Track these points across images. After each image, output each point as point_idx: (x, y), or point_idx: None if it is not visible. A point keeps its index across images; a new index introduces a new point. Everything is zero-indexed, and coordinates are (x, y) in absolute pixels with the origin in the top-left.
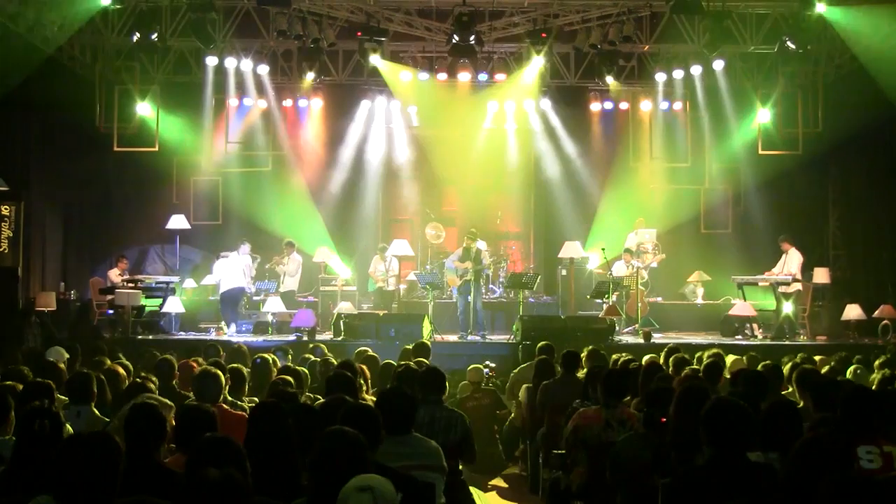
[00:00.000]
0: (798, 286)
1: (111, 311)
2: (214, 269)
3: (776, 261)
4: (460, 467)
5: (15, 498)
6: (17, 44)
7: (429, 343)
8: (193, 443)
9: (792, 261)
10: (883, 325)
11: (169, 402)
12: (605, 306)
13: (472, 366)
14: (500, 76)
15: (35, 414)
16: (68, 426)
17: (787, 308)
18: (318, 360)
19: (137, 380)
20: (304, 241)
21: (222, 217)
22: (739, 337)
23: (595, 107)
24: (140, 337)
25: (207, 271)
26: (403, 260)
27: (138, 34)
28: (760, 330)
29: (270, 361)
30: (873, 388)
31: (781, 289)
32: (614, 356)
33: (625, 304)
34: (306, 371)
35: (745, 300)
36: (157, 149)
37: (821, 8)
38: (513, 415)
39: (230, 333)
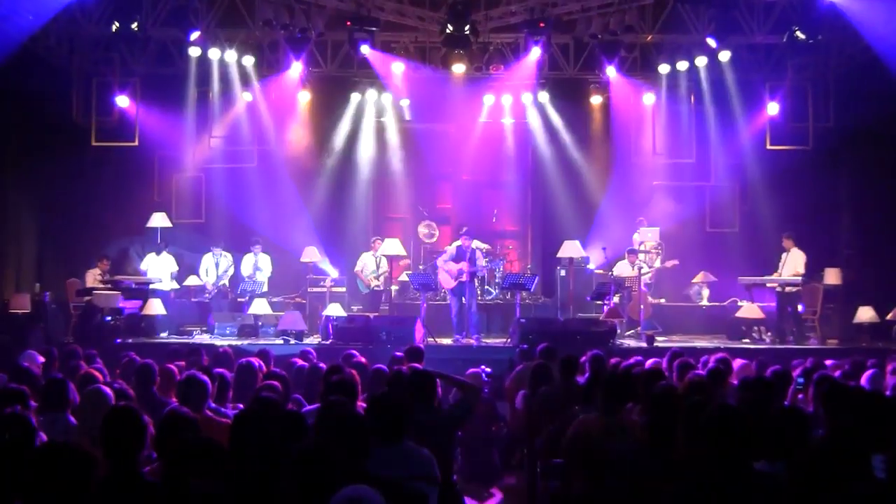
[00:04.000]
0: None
1: (108, 318)
2: (143, 263)
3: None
4: (454, 477)
5: None
6: None
7: (422, 347)
8: (172, 445)
9: (797, 260)
10: None
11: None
12: (605, 308)
13: (470, 370)
14: (496, 68)
15: (6, 422)
16: (42, 435)
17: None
18: (306, 365)
19: (92, 371)
20: (292, 241)
21: (205, 215)
22: (747, 340)
23: (595, 100)
24: (120, 340)
25: (190, 271)
26: (395, 260)
27: (117, 23)
28: (769, 333)
29: (256, 366)
30: (887, 393)
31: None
32: (615, 360)
33: (627, 305)
34: (291, 376)
35: (752, 302)
36: (136, 143)
37: None
38: (509, 421)
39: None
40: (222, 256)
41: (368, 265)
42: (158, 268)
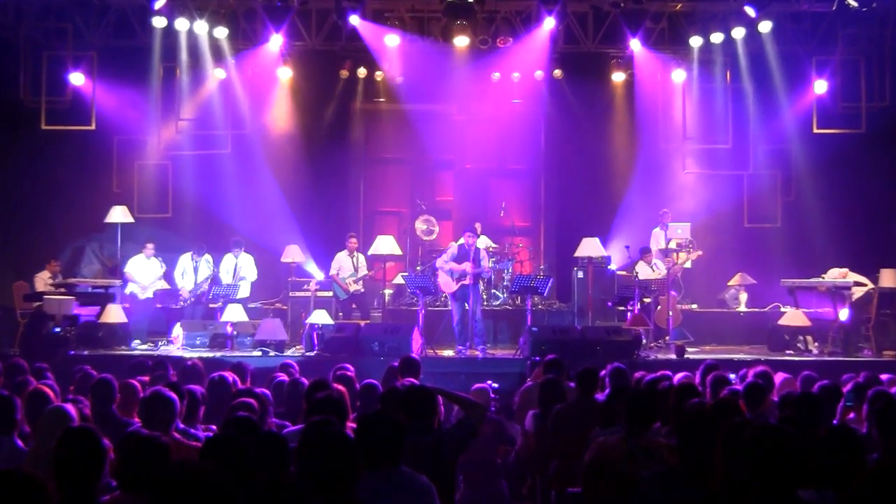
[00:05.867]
0: (864, 290)
1: (57, 329)
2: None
3: (834, 260)
4: None
5: None
6: None
7: (418, 358)
8: (154, 476)
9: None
10: None
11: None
12: (629, 315)
13: (475, 386)
14: (504, 41)
15: None
16: None
17: (847, 317)
18: (287, 379)
19: (42, 388)
20: (271, 238)
21: (172, 209)
22: (790, 351)
23: (618, 77)
24: (74, 352)
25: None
26: (390, 260)
27: None
28: (816, 344)
29: (230, 382)
30: None
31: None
32: (640, 374)
33: (653, 312)
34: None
35: (797, 308)
36: (93, 127)
37: None
38: (519, 444)
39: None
40: (203, 261)
41: (345, 267)
42: (145, 272)
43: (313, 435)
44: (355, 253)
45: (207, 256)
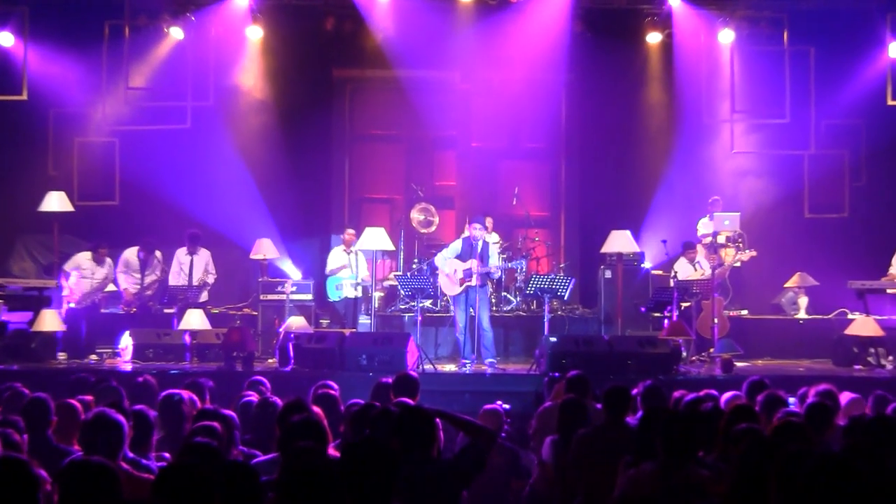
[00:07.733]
0: None
1: None
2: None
3: None
4: None
5: None
6: None
7: (416, 376)
8: None
9: None
10: None
11: None
12: (666, 323)
13: (485, 408)
14: None
15: None
16: None
17: None
18: (257, 399)
19: None
20: (238, 230)
21: (119, 195)
22: (859, 367)
23: (653, 38)
24: (2, 367)
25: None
26: (381, 257)
27: None
28: (891, 358)
29: (188, 401)
30: None
31: None
32: (679, 393)
33: (695, 319)
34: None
35: (867, 314)
36: (25, 97)
37: None
38: (535, 476)
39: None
40: (153, 256)
41: (343, 263)
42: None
43: (298, 466)
44: (354, 250)
45: (157, 253)
